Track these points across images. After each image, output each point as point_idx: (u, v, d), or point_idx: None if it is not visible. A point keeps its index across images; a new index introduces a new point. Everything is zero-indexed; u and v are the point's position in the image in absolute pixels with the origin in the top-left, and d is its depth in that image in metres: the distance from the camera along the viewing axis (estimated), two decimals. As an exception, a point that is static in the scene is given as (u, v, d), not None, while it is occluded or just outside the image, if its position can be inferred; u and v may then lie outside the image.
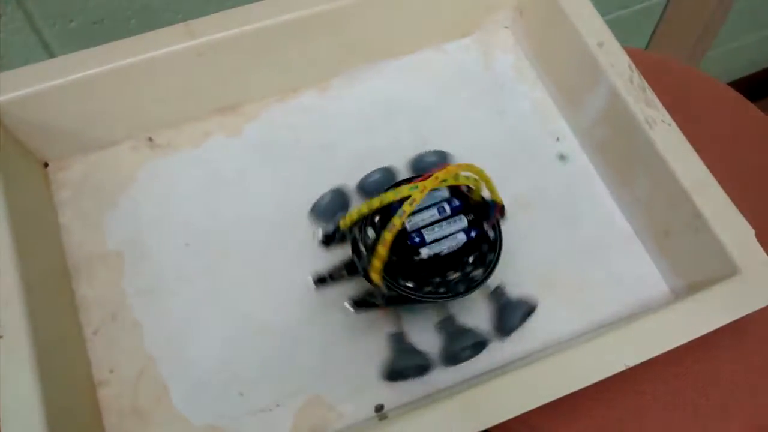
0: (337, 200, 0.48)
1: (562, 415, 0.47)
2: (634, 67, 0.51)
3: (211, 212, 0.52)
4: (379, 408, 0.45)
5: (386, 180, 0.48)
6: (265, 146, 0.55)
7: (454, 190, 0.44)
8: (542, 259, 0.51)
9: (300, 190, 0.51)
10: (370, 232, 0.43)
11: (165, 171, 0.53)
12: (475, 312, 0.48)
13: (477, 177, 0.42)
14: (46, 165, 0.53)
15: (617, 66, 0.51)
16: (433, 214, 0.43)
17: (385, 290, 0.43)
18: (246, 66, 0.54)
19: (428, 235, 0.43)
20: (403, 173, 0.48)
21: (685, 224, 0.47)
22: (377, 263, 0.41)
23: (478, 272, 0.44)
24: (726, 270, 0.44)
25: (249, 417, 0.45)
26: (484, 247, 0.44)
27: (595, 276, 0.51)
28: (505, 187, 0.44)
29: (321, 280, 0.46)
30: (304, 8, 0.52)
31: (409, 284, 0.43)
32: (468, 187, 0.43)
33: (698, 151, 0.48)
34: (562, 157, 0.56)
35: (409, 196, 0.40)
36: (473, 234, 0.43)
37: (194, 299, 0.48)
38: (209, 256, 0.50)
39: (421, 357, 0.46)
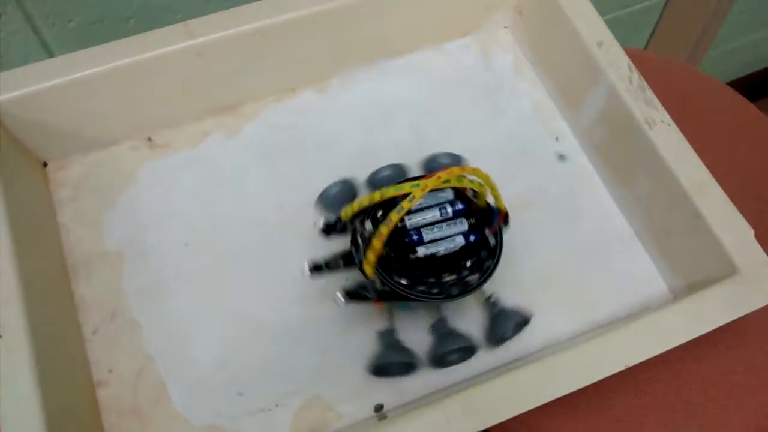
0: (345, 191, 0.48)
1: (562, 415, 0.47)
2: (633, 67, 0.51)
3: (210, 212, 0.52)
4: (379, 408, 0.45)
5: (397, 176, 0.48)
6: (265, 146, 0.55)
7: (459, 194, 0.44)
8: (542, 258, 0.51)
9: (299, 190, 0.51)
10: (369, 225, 0.43)
11: (164, 171, 0.53)
12: (468, 317, 0.48)
13: (482, 182, 0.43)
14: (45, 165, 0.53)
15: (617, 66, 0.51)
16: (434, 214, 0.43)
17: (378, 285, 0.43)
18: (245, 66, 0.54)
19: (427, 235, 0.43)
20: (415, 171, 0.48)
21: (685, 224, 0.47)
22: (371, 256, 0.41)
23: (473, 277, 0.44)
24: (725, 270, 0.44)
25: (248, 417, 0.44)
26: (482, 252, 0.44)
27: (594, 276, 0.51)
28: (505, 187, 0.44)
29: (316, 268, 0.46)
30: (304, 8, 0.52)
31: (403, 281, 0.43)
32: (474, 191, 0.44)
33: (698, 151, 0.48)
34: (561, 157, 0.56)
35: (410, 193, 0.40)
36: (472, 238, 0.43)
37: (193, 299, 0.48)
38: (208, 256, 0.50)
39: (408, 355, 0.46)
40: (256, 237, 0.51)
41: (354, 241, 0.44)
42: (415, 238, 0.43)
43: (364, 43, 0.57)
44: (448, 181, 0.42)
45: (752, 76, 1.28)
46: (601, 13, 0.53)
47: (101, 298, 0.48)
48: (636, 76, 0.51)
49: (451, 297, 0.43)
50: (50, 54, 0.61)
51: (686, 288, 0.48)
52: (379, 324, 0.47)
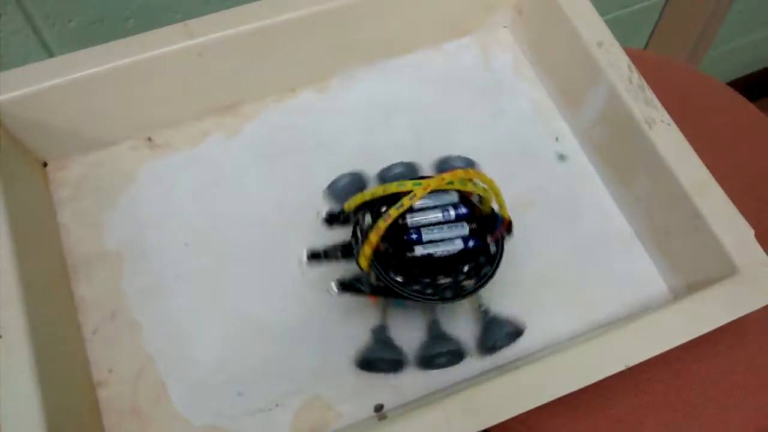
0: (354, 183, 0.48)
1: (562, 415, 0.47)
2: (633, 66, 0.51)
3: (210, 212, 0.52)
4: (379, 408, 0.45)
5: (408, 174, 0.48)
6: (264, 146, 0.55)
7: (465, 198, 0.44)
8: (542, 258, 0.51)
9: (299, 190, 0.51)
10: (368, 219, 0.43)
11: (164, 171, 0.53)
12: (462, 322, 0.48)
13: (487, 187, 0.43)
14: (45, 164, 0.53)
15: (617, 66, 0.51)
16: (437, 215, 0.43)
17: (373, 279, 0.43)
18: (245, 66, 0.54)
19: (426, 235, 0.43)
20: (426, 170, 0.48)
21: (685, 224, 0.47)
22: (367, 249, 0.41)
23: (469, 282, 0.44)
24: (725, 270, 0.44)
25: (248, 417, 0.44)
26: (481, 258, 0.44)
27: (594, 275, 0.50)
28: (505, 187, 0.44)
29: (314, 256, 0.46)
30: (304, 8, 0.52)
31: (399, 278, 0.43)
32: (479, 197, 0.44)
33: (698, 151, 0.48)
34: (561, 157, 0.56)
35: (412, 191, 0.41)
36: (471, 243, 0.43)
37: (193, 299, 0.48)
38: (208, 256, 0.50)
39: (397, 352, 0.46)
40: (256, 237, 0.51)
41: (354, 234, 0.45)
42: (413, 236, 0.43)
43: (364, 43, 0.57)
44: (451, 183, 0.42)
45: (752, 76, 1.28)
46: (601, 13, 0.53)
47: (101, 298, 0.48)
48: (636, 75, 0.51)
49: (444, 299, 0.43)
50: (50, 54, 0.61)
51: (686, 288, 0.48)
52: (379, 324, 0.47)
